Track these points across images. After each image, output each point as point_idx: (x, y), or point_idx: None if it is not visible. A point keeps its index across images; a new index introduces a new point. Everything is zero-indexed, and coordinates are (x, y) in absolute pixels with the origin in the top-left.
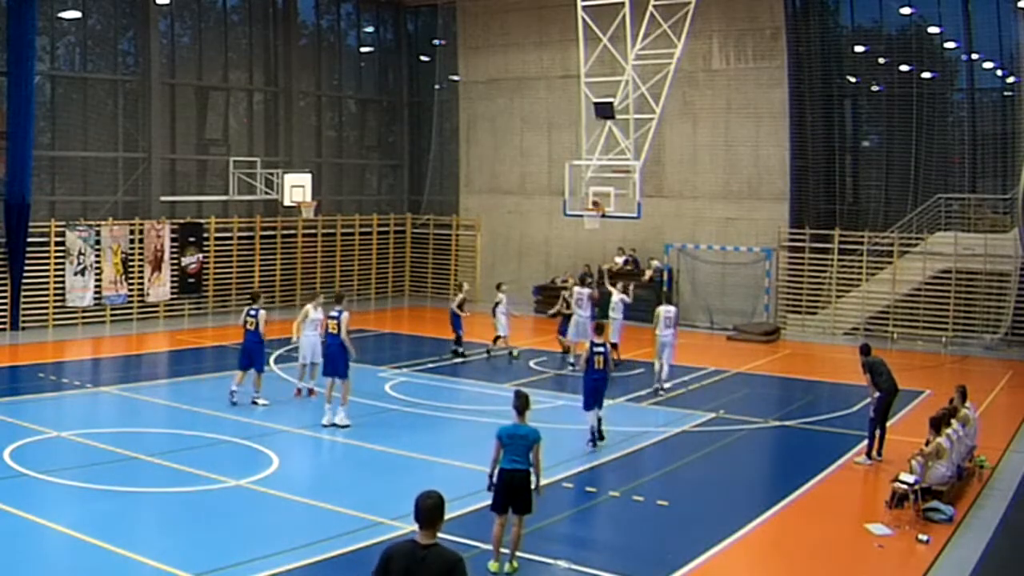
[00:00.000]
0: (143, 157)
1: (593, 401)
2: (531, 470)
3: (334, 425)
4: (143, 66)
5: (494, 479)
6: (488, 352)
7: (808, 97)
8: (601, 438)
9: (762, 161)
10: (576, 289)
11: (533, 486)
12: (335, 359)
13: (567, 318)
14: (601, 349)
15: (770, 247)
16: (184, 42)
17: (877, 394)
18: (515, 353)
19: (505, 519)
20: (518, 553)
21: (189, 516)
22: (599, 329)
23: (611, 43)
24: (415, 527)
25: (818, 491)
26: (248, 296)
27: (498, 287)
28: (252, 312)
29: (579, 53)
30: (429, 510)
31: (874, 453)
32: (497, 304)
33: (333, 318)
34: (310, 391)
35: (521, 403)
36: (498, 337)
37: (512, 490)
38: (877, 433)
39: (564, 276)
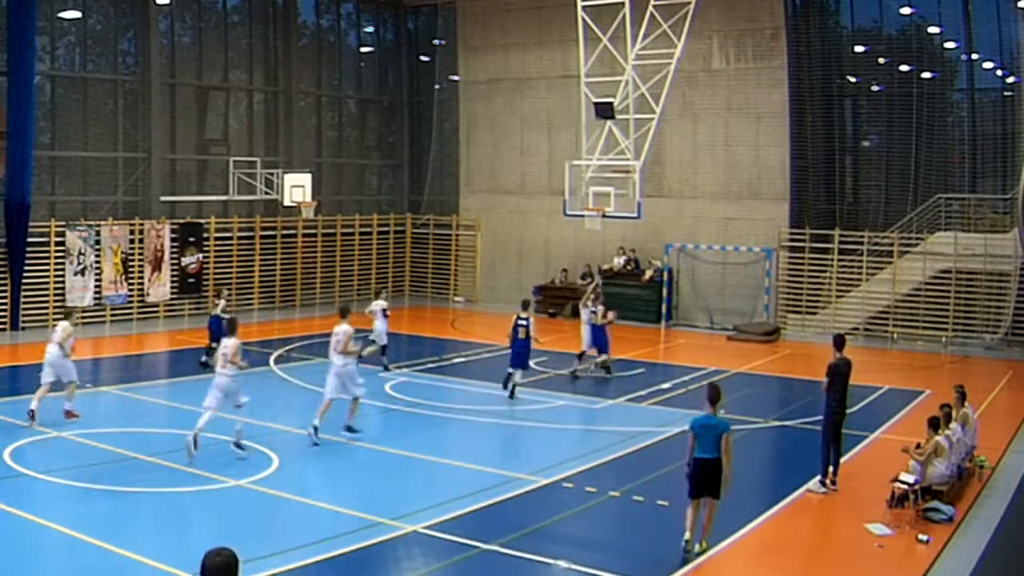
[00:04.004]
0: (143, 157)
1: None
2: (721, 459)
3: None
4: (143, 66)
5: (689, 467)
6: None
7: (808, 97)
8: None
9: (762, 161)
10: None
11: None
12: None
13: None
14: (524, 322)
15: (770, 247)
16: (184, 42)
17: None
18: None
19: (699, 503)
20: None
21: (189, 516)
22: (525, 305)
23: (611, 43)
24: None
25: None
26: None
27: (377, 294)
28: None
29: (579, 53)
30: (218, 570)
31: (828, 480)
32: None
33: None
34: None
35: (714, 394)
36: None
37: (704, 476)
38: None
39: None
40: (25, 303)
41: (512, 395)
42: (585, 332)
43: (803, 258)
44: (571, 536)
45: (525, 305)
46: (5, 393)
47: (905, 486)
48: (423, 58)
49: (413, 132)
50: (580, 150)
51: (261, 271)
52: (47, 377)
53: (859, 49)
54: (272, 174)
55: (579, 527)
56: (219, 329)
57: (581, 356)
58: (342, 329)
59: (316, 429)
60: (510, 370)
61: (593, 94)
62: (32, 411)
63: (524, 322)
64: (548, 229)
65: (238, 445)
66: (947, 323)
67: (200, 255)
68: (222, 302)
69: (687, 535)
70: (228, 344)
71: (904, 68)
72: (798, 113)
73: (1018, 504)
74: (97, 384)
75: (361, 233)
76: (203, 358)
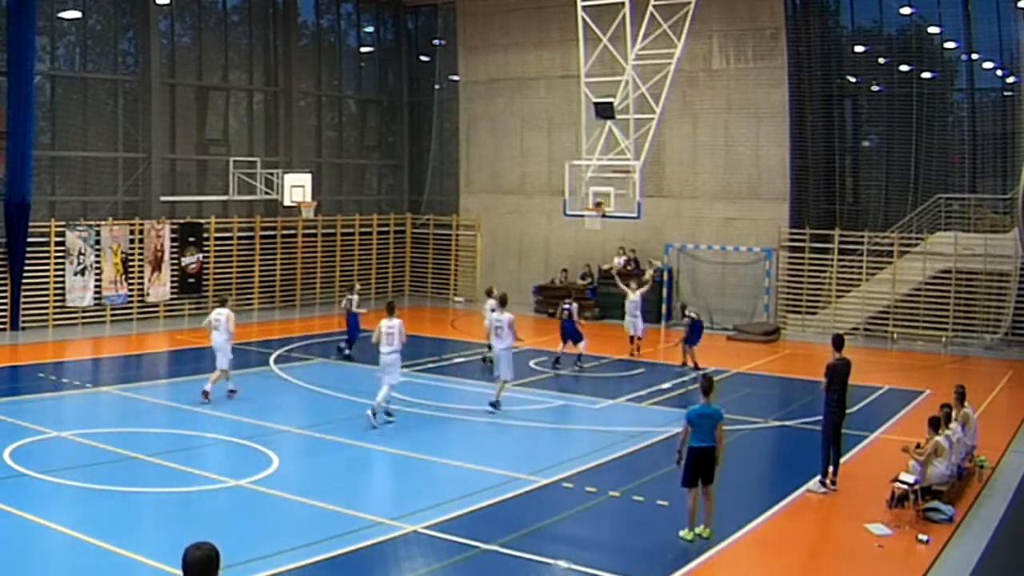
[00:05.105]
0: (143, 157)
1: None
2: (715, 446)
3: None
4: (143, 66)
5: (683, 456)
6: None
7: (808, 97)
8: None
9: (762, 161)
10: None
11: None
12: None
13: (695, 327)
14: (568, 307)
15: (770, 247)
16: (184, 42)
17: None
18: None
19: (697, 491)
20: (704, 526)
21: (189, 516)
22: (568, 293)
23: (611, 43)
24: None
25: None
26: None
27: (488, 292)
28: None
29: (579, 53)
30: (198, 563)
31: (828, 480)
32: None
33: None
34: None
35: (707, 385)
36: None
37: (701, 464)
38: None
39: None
40: (25, 303)
41: (571, 364)
42: (633, 321)
43: (803, 258)
44: (571, 536)
45: (568, 293)
46: (5, 393)
47: (905, 486)
48: (423, 58)
49: (413, 132)
50: (580, 150)
51: (261, 271)
52: (220, 362)
53: (859, 49)
54: (272, 174)
55: (579, 527)
56: (356, 323)
57: (633, 340)
58: (506, 317)
59: (496, 404)
60: (571, 351)
61: (593, 94)
62: (206, 392)
63: (568, 307)
64: (548, 229)
65: (387, 413)
66: (947, 323)
67: (200, 255)
68: (355, 297)
69: (687, 532)
70: (392, 325)
71: (904, 68)
72: (798, 113)
73: (1018, 504)
74: (97, 384)
75: (361, 233)
76: (346, 351)
